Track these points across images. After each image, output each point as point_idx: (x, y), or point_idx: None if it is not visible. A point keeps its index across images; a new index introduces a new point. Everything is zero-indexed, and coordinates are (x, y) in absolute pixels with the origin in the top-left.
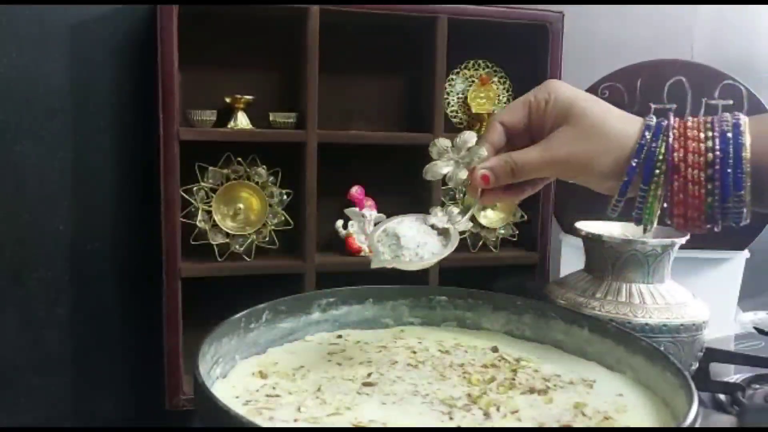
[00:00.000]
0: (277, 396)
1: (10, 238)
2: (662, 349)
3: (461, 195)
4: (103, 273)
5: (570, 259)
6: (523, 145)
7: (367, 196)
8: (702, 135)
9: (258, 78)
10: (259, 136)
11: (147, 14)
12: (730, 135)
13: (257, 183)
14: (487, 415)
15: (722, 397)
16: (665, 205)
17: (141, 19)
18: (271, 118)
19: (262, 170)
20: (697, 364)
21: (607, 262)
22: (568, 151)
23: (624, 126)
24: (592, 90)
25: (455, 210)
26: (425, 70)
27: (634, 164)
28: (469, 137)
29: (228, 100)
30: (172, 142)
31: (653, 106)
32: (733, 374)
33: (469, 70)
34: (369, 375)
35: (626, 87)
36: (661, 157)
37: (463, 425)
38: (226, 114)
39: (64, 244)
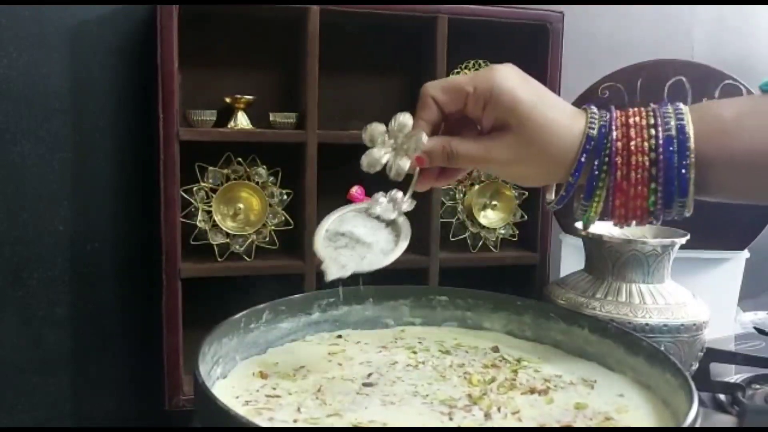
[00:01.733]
0: (277, 396)
1: (10, 238)
2: (662, 349)
3: (461, 195)
4: (103, 273)
5: (570, 259)
6: (455, 123)
7: (367, 196)
8: (645, 122)
9: (258, 78)
10: (259, 136)
11: (147, 14)
12: (673, 130)
13: (257, 183)
14: (487, 415)
15: (722, 397)
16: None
17: (141, 19)
18: (271, 118)
19: (262, 170)
20: (698, 364)
21: (608, 262)
22: (508, 156)
23: (568, 126)
24: (592, 90)
25: (399, 194)
26: (425, 70)
27: (581, 160)
28: (406, 120)
29: (228, 100)
30: (172, 142)
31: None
32: (733, 374)
33: (469, 70)
34: (369, 375)
35: (626, 87)
36: (605, 155)
37: (464, 426)
38: (226, 114)
39: (64, 244)
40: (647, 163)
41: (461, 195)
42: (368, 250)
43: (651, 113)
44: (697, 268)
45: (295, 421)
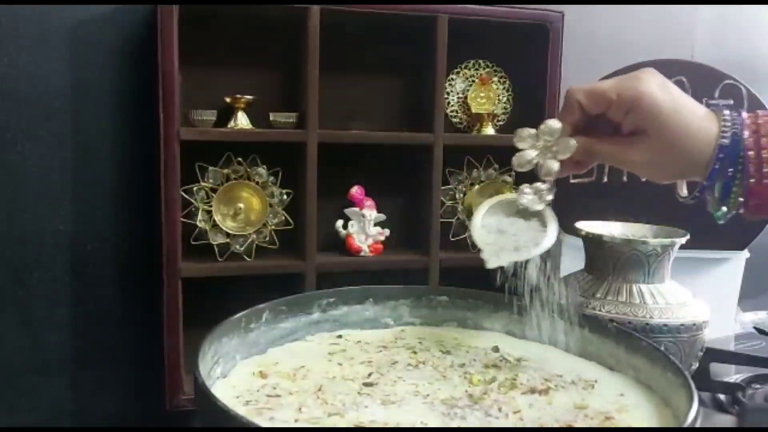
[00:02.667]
0: (278, 396)
1: (10, 238)
2: (663, 349)
3: (461, 195)
4: (103, 273)
5: (570, 259)
6: (594, 120)
7: (367, 196)
8: None
9: (258, 78)
10: (259, 136)
11: (147, 14)
12: None
13: (257, 183)
14: (488, 415)
15: (722, 397)
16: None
17: (141, 20)
18: (271, 118)
19: (262, 170)
20: (698, 364)
21: (608, 262)
22: (646, 159)
23: (702, 132)
24: None
25: (542, 186)
26: (425, 70)
27: (715, 167)
28: (555, 125)
29: (228, 100)
30: (172, 142)
31: None
32: (733, 374)
33: (469, 70)
34: (369, 375)
35: None
36: (739, 162)
37: (464, 425)
38: (226, 114)
39: (64, 244)
40: None
41: (461, 195)
42: (517, 241)
43: None
44: (697, 268)
45: (295, 420)
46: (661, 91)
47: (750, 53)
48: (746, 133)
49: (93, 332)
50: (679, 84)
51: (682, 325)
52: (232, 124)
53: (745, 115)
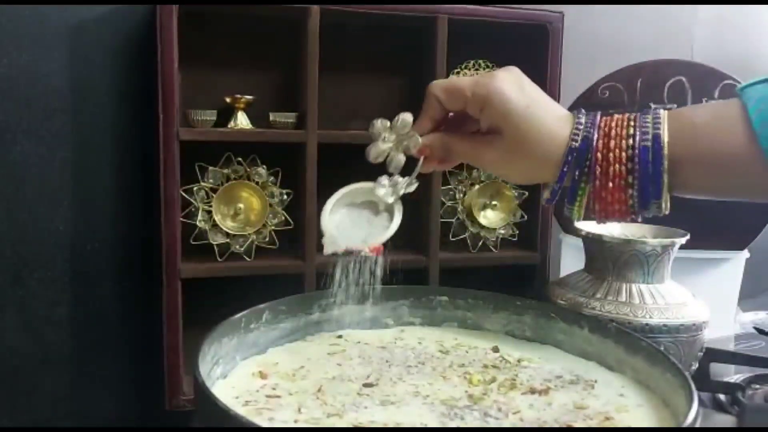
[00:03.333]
0: (278, 396)
1: (10, 238)
2: (662, 349)
3: (461, 195)
4: (103, 273)
5: (570, 259)
6: (459, 118)
7: None
8: (625, 132)
9: (258, 78)
10: (259, 136)
11: (147, 14)
12: (649, 140)
13: (257, 183)
14: (488, 415)
15: (722, 397)
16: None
17: (141, 20)
18: (271, 118)
19: (262, 170)
20: (697, 364)
21: (608, 262)
22: (495, 158)
23: (554, 134)
24: (592, 90)
25: (400, 179)
26: (425, 70)
27: (564, 170)
28: (407, 119)
29: (228, 100)
30: (172, 142)
31: (653, 106)
32: (733, 374)
33: (469, 70)
34: (369, 375)
35: (626, 87)
36: (586, 165)
37: (464, 426)
38: (226, 114)
39: (64, 244)
40: (624, 172)
41: (461, 195)
42: (362, 230)
43: (632, 122)
44: (697, 268)
45: (295, 421)
46: (514, 90)
47: (750, 53)
48: (597, 137)
49: (93, 332)
50: (679, 84)
51: (682, 325)
52: (232, 124)
53: (600, 119)
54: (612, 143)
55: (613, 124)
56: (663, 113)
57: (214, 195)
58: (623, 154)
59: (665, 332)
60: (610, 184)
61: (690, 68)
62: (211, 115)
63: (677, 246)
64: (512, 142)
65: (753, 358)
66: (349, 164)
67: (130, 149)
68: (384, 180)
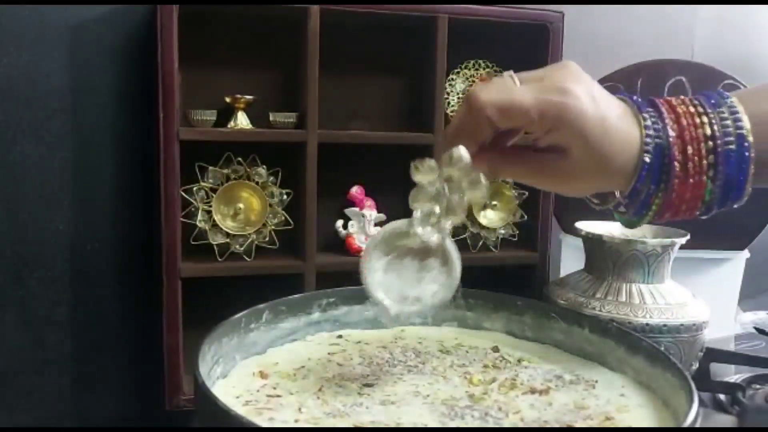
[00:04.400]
0: (278, 396)
1: (10, 238)
2: (663, 349)
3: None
4: (103, 273)
5: (570, 259)
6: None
7: (367, 196)
8: (701, 133)
9: (258, 78)
10: (259, 136)
11: (147, 14)
12: (733, 143)
13: (257, 183)
14: (488, 415)
15: (722, 397)
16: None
17: (141, 19)
18: (271, 118)
19: (262, 170)
20: (698, 364)
21: (608, 262)
22: (558, 178)
23: (627, 140)
24: None
25: (436, 208)
26: (425, 70)
27: (637, 186)
28: (466, 156)
29: (228, 100)
30: (172, 142)
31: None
32: (733, 374)
33: (469, 70)
34: (369, 375)
35: (626, 87)
36: (663, 179)
37: (465, 426)
38: (226, 114)
39: (64, 244)
40: (705, 181)
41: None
42: (414, 289)
43: (704, 118)
44: (697, 268)
45: (295, 421)
46: (590, 106)
47: (750, 53)
48: (670, 137)
49: (93, 332)
50: (679, 84)
51: (682, 325)
52: (232, 124)
53: (670, 127)
54: (690, 150)
55: (685, 123)
56: (738, 106)
57: (214, 195)
58: (703, 162)
59: (665, 332)
60: (688, 194)
61: (690, 68)
62: (211, 115)
63: (677, 246)
64: (583, 161)
65: (753, 358)
66: (349, 164)
67: (130, 149)
68: (418, 213)
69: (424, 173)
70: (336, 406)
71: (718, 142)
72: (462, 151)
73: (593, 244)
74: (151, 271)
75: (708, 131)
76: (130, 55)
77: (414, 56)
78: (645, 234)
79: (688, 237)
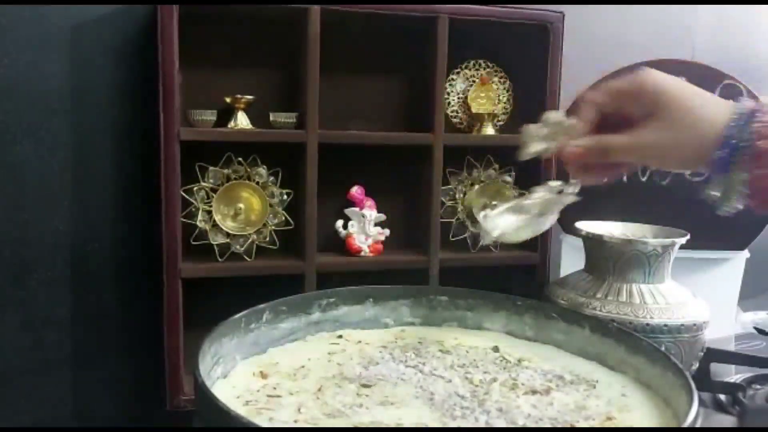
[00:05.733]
0: (278, 396)
1: (10, 238)
2: (663, 349)
3: (461, 195)
4: (103, 273)
5: (570, 259)
6: (611, 127)
7: (367, 196)
8: None
9: (258, 78)
10: (259, 136)
11: (147, 15)
12: None
13: (257, 183)
14: (489, 415)
15: (723, 397)
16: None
17: (141, 20)
18: (271, 118)
19: (262, 170)
20: (698, 364)
21: (608, 262)
22: (654, 139)
23: (712, 113)
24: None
25: (554, 184)
26: (425, 70)
27: (720, 154)
28: (557, 114)
29: (228, 100)
30: (172, 142)
31: None
32: (733, 374)
33: (469, 70)
34: (369, 375)
35: None
36: (745, 144)
37: (464, 426)
38: (226, 114)
39: (64, 244)
40: None
41: (461, 195)
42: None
43: None
44: (697, 268)
45: (295, 421)
46: (666, 76)
47: (750, 53)
48: (756, 127)
49: (93, 332)
50: None
51: (683, 325)
52: (232, 124)
53: (759, 112)
54: None
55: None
56: None
57: (214, 195)
58: None
59: (666, 332)
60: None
61: (690, 68)
62: (211, 115)
63: (677, 246)
64: (668, 119)
65: (753, 358)
66: (349, 164)
67: (130, 149)
68: (537, 188)
69: (531, 131)
70: (336, 406)
71: None
72: (555, 113)
73: (593, 244)
74: (151, 272)
75: None
76: (130, 56)
77: (414, 56)
78: (645, 234)
79: (688, 237)
